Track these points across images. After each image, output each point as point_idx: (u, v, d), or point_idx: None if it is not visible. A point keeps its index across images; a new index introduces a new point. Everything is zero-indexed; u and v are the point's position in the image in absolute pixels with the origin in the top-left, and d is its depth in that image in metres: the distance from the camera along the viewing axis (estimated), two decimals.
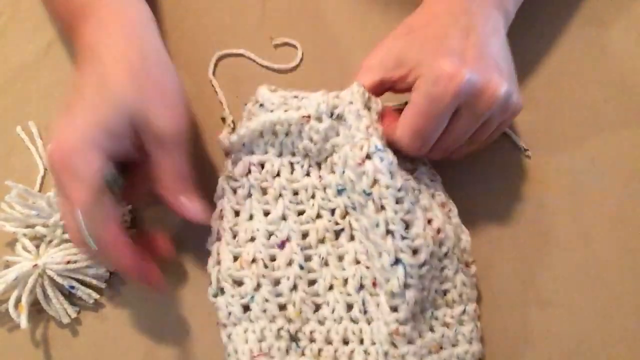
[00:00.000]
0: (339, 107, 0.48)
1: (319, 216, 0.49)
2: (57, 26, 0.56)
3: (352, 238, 0.49)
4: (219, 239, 0.50)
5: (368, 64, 0.50)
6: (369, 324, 0.47)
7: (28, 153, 0.58)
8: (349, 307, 0.48)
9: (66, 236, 0.52)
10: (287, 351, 0.47)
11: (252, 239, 0.49)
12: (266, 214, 0.49)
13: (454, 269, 0.48)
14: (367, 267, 0.47)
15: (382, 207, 0.46)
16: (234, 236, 0.49)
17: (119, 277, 0.54)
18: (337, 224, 0.49)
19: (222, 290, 0.49)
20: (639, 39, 0.60)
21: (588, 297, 0.52)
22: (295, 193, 0.50)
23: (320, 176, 0.50)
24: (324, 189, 0.49)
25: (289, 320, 0.48)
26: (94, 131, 0.45)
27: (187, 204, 0.48)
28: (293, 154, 0.50)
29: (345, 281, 0.48)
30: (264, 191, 0.50)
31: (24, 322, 0.50)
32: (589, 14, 0.61)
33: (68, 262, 0.51)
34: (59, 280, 0.51)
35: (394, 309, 0.46)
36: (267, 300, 0.47)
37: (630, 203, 0.54)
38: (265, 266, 0.48)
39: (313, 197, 0.49)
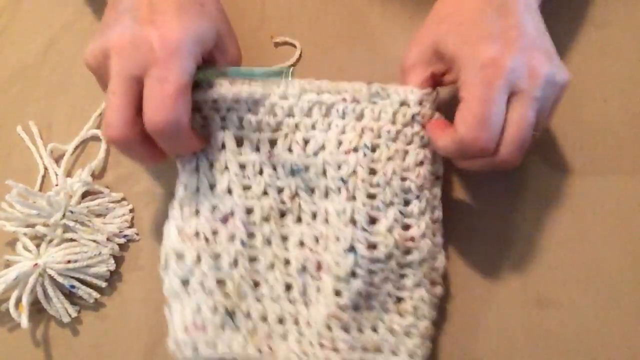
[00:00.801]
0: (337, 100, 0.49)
1: (265, 193, 0.49)
2: None
3: (299, 220, 0.49)
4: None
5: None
6: (306, 306, 0.48)
7: (28, 153, 0.58)
8: (288, 287, 0.48)
9: (67, 235, 0.52)
10: (222, 326, 0.47)
11: (197, 212, 0.49)
12: (211, 186, 0.49)
13: (415, 282, 0.48)
14: (311, 250, 0.48)
15: (354, 197, 0.48)
16: (181, 209, 0.49)
17: (120, 277, 0.54)
18: (282, 202, 0.49)
19: (167, 264, 0.49)
20: (639, 39, 0.60)
21: (588, 297, 0.52)
22: (242, 167, 0.49)
23: (269, 152, 0.49)
24: (274, 166, 0.49)
25: (226, 296, 0.47)
26: (195, 34, 0.46)
27: None
28: (240, 128, 0.50)
29: (287, 262, 0.48)
30: (211, 164, 0.49)
31: (24, 321, 0.50)
32: (589, 14, 0.61)
33: (68, 262, 0.51)
34: (60, 279, 0.51)
35: (337, 294, 0.46)
36: (205, 275, 0.47)
37: (630, 203, 0.54)
38: (207, 240, 0.48)
39: (260, 173, 0.49)
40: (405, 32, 0.59)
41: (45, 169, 0.57)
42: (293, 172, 0.49)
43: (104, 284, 0.53)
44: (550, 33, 0.60)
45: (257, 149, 0.49)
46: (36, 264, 0.50)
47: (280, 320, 0.48)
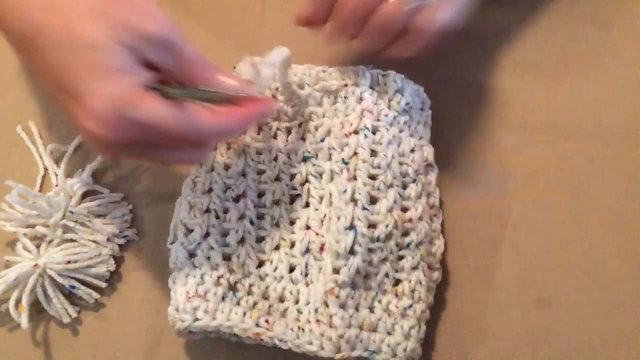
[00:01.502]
0: (341, 86, 0.51)
1: (277, 179, 0.51)
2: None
3: (307, 205, 0.51)
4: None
5: None
6: (307, 286, 0.49)
7: (28, 153, 0.58)
8: (292, 268, 0.49)
9: (67, 236, 0.52)
10: (223, 298, 0.48)
11: (210, 190, 0.50)
12: (227, 167, 0.51)
13: (413, 264, 0.49)
14: (317, 234, 0.49)
15: (354, 178, 0.49)
16: (194, 187, 0.51)
17: (120, 277, 0.54)
18: (294, 189, 0.51)
19: (175, 237, 0.50)
20: (639, 39, 0.60)
21: (588, 297, 0.52)
22: (259, 153, 0.51)
23: (287, 141, 0.52)
24: (288, 154, 0.51)
25: (231, 271, 0.49)
26: (115, 78, 0.40)
27: (227, 79, 0.45)
28: None
29: (292, 244, 0.50)
30: (228, 146, 0.51)
31: (24, 322, 0.50)
32: (589, 14, 0.61)
33: (68, 262, 0.51)
34: (60, 280, 0.51)
35: (336, 271, 0.47)
36: (212, 249, 0.49)
37: (630, 203, 0.54)
38: (217, 217, 0.50)
39: (275, 159, 0.51)
40: None
41: (45, 169, 0.57)
42: (305, 159, 0.51)
43: (104, 285, 0.53)
44: (551, 33, 0.60)
45: (275, 137, 0.52)
46: (36, 265, 0.50)
47: (281, 299, 0.49)
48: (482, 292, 0.52)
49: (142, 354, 0.51)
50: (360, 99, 0.51)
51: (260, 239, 0.50)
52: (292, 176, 0.51)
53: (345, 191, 0.48)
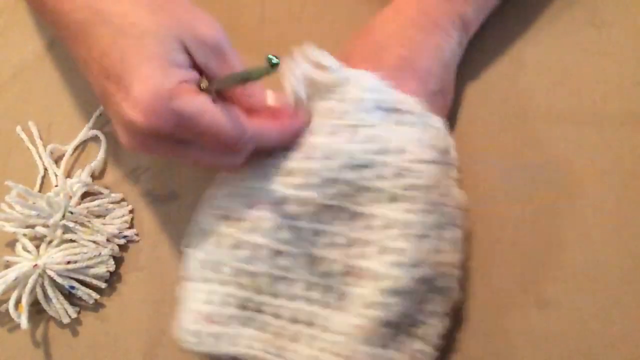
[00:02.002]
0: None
1: (307, 183, 0.46)
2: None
3: (336, 218, 0.46)
4: None
5: None
6: (324, 309, 0.45)
7: (28, 153, 0.58)
8: (308, 287, 0.45)
9: (66, 236, 0.52)
10: (244, 322, 0.45)
11: (229, 195, 0.48)
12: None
13: (435, 308, 0.46)
14: (343, 253, 0.45)
15: (411, 211, 0.45)
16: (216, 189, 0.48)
17: (120, 277, 0.54)
18: (325, 197, 0.45)
19: (194, 244, 0.48)
20: (639, 39, 0.60)
21: (588, 297, 0.52)
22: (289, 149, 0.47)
23: (329, 141, 0.47)
24: (327, 156, 0.46)
25: (259, 292, 0.45)
26: (164, 69, 0.41)
27: (266, 93, 0.46)
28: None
29: (313, 260, 0.45)
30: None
31: (24, 322, 0.50)
32: (589, 14, 0.61)
33: (68, 262, 0.51)
34: (59, 280, 0.51)
35: (373, 307, 0.43)
36: (226, 263, 0.46)
37: (630, 203, 0.54)
38: (237, 227, 0.46)
39: (309, 158, 0.46)
40: None
41: (45, 169, 0.57)
42: (347, 166, 0.45)
43: (103, 285, 0.53)
44: (551, 33, 0.60)
45: (313, 132, 0.47)
46: (36, 265, 0.50)
47: (294, 320, 0.45)
48: (482, 293, 0.52)
49: (142, 354, 0.51)
50: (416, 130, 0.48)
51: (277, 252, 0.46)
52: (325, 181, 0.46)
53: (400, 221, 0.44)
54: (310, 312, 0.45)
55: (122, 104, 0.41)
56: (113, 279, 0.54)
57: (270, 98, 0.46)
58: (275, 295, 0.46)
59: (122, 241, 0.54)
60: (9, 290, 0.51)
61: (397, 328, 0.44)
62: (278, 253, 0.46)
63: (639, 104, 0.57)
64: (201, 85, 0.43)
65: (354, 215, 0.46)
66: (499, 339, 0.51)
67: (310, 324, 0.45)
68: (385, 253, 0.44)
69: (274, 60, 0.39)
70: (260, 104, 0.46)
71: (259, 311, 0.46)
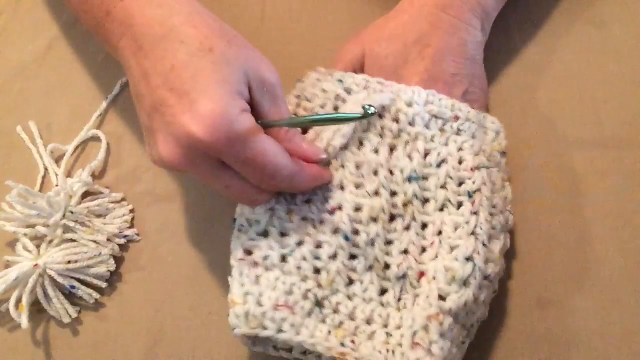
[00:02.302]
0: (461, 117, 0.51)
1: (377, 194, 0.49)
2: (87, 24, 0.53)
3: (407, 228, 0.49)
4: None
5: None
6: (399, 311, 0.47)
7: (28, 153, 0.58)
8: (383, 291, 0.48)
9: (67, 236, 0.52)
10: (309, 313, 0.46)
11: (309, 201, 0.49)
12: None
13: (481, 315, 0.49)
14: (416, 260, 0.48)
15: (477, 213, 0.48)
16: (292, 196, 0.49)
17: (120, 277, 0.54)
18: (394, 207, 0.49)
19: (266, 233, 0.48)
20: (639, 39, 0.60)
21: (588, 297, 0.52)
22: (358, 167, 0.50)
23: (390, 157, 0.50)
24: (390, 170, 0.49)
25: (319, 286, 0.47)
26: (232, 96, 0.43)
27: (306, 146, 0.48)
28: (365, 131, 0.50)
29: (387, 266, 0.48)
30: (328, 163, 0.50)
31: (24, 322, 0.50)
32: (589, 14, 0.61)
33: (69, 262, 0.51)
34: (60, 280, 0.51)
35: (443, 298, 0.46)
36: (304, 259, 0.47)
37: (630, 203, 0.54)
38: (314, 227, 0.48)
39: (375, 174, 0.49)
40: None
41: (46, 169, 0.57)
42: (410, 179, 0.49)
43: (104, 285, 0.53)
44: (551, 33, 0.60)
45: (376, 152, 0.50)
46: (36, 265, 0.50)
47: (368, 321, 0.47)
48: None
49: (142, 354, 0.51)
50: (473, 136, 0.51)
51: (353, 257, 0.48)
52: (393, 193, 0.49)
53: (467, 223, 0.47)
54: (384, 314, 0.47)
55: (183, 117, 0.43)
56: (113, 278, 0.54)
57: (305, 144, 0.48)
58: (350, 297, 0.47)
59: (122, 241, 0.54)
60: (9, 290, 0.51)
61: (457, 319, 0.46)
62: (353, 257, 0.48)
63: (639, 104, 0.58)
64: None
65: (425, 224, 0.49)
66: (500, 339, 0.51)
67: (385, 325, 0.47)
68: (454, 250, 0.47)
69: (370, 111, 0.44)
70: (296, 150, 0.48)
71: (336, 311, 0.47)
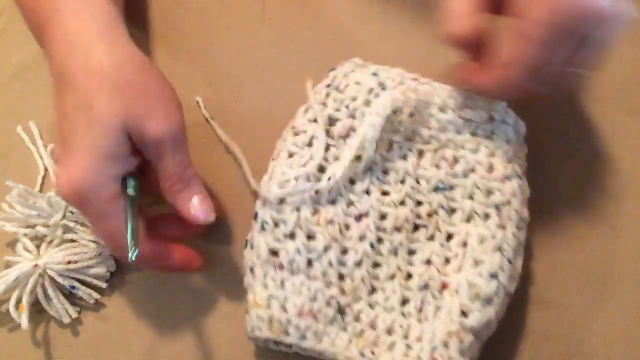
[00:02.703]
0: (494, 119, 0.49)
1: (402, 203, 0.48)
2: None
3: (431, 238, 0.48)
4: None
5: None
6: (420, 322, 0.46)
7: (28, 153, 0.58)
8: (404, 301, 0.47)
9: (67, 236, 0.52)
10: (332, 321, 0.46)
11: (334, 202, 0.48)
12: (352, 182, 0.49)
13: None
14: (438, 271, 0.47)
15: (504, 227, 0.47)
16: (316, 192, 0.48)
17: (120, 277, 0.54)
18: (418, 217, 0.48)
19: (293, 235, 0.47)
20: (639, 39, 0.60)
21: (588, 297, 0.52)
22: (385, 172, 0.49)
23: (418, 164, 0.49)
24: (417, 179, 0.49)
25: (342, 292, 0.47)
26: (97, 164, 0.44)
27: (195, 204, 0.47)
28: (395, 132, 0.49)
29: (409, 276, 0.47)
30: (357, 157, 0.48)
31: (24, 322, 0.50)
32: None
33: (69, 262, 0.51)
34: (60, 280, 0.51)
35: (465, 314, 0.45)
36: (330, 265, 0.47)
37: (630, 203, 0.54)
38: (340, 231, 0.47)
39: (402, 182, 0.49)
40: (405, 31, 0.59)
41: (46, 169, 0.57)
42: (436, 189, 0.48)
43: (104, 285, 0.53)
44: None
45: (404, 158, 0.49)
46: (36, 265, 0.50)
47: (389, 331, 0.46)
48: None
49: (142, 354, 0.51)
50: (508, 141, 0.49)
51: (376, 264, 0.48)
52: (418, 203, 0.49)
53: (493, 237, 0.46)
54: (405, 324, 0.47)
55: (59, 167, 0.46)
56: (113, 278, 0.54)
57: (196, 201, 0.48)
58: (371, 305, 0.47)
59: None
60: (9, 290, 0.51)
61: (477, 337, 0.46)
62: (376, 265, 0.48)
63: (639, 104, 0.58)
64: (128, 188, 0.46)
65: (449, 235, 0.48)
66: (500, 339, 0.51)
67: (405, 336, 0.46)
68: (478, 265, 0.46)
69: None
70: (181, 207, 0.47)
71: (357, 319, 0.47)
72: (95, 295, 0.52)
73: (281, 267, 0.47)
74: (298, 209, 0.47)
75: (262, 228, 0.48)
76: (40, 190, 0.56)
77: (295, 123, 0.50)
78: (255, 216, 0.48)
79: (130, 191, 0.46)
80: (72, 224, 0.52)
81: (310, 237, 0.47)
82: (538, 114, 0.56)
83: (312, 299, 0.46)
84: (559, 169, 0.55)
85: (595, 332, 0.51)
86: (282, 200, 0.48)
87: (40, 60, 0.62)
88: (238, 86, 0.59)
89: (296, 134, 0.49)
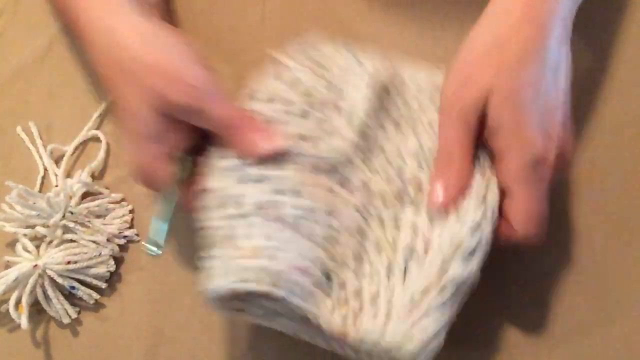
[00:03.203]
0: None
1: (384, 172, 0.48)
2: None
3: (418, 211, 0.47)
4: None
5: (447, 114, 0.46)
6: (402, 284, 0.45)
7: (28, 153, 0.58)
8: (390, 270, 0.45)
9: (66, 236, 0.52)
10: (318, 284, 0.44)
11: (326, 172, 0.48)
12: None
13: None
14: (423, 235, 0.46)
15: (487, 181, 0.46)
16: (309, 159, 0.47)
17: (120, 278, 0.54)
18: (403, 183, 0.48)
19: (282, 192, 0.46)
20: (639, 39, 0.60)
21: (588, 297, 0.52)
22: (367, 142, 0.49)
23: (396, 134, 0.49)
24: (398, 148, 0.49)
25: (330, 256, 0.45)
26: (140, 147, 0.46)
27: (257, 139, 0.46)
28: (376, 109, 0.49)
29: (395, 245, 0.46)
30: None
31: (24, 322, 0.50)
32: (589, 14, 0.61)
33: (68, 263, 0.51)
34: (59, 280, 0.51)
35: (444, 269, 0.44)
36: (319, 226, 0.46)
37: (630, 203, 0.54)
38: (330, 198, 0.47)
39: (382, 151, 0.49)
40: (406, 33, 0.59)
41: (45, 169, 0.57)
42: (416, 155, 0.48)
43: (104, 285, 0.53)
44: None
45: (383, 129, 0.49)
46: (36, 265, 0.50)
47: (373, 300, 0.44)
48: (482, 293, 0.52)
49: (142, 354, 0.51)
50: None
51: (363, 234, 0.47)
52: (400, 170, 0.48)
53: (477, 191, 0.46)
54: (389, 290, 0.44)
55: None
56: (113, 279, 0.54)
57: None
58: (357, 274, 0.46)
59: (122, 241, 0.54)
60: (9, 290, 0.51)
61: (458, 290, 0.44)
62: (363, 234, 0.47)
63: (639, 104, 0.58)
64: (176, 155, 0.47)
65: (418, 203, 0.47)
66: (499, 339, 0.51)
67: (389, 302, 0.44)
68: (460, 219, 0.45)
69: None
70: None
71: (342, 287, 0.45)
72: (95, 295, 0.52)
73: (269, 218, 0.45)
74: (293, 169, 0.46)
75: (257, 181, 0.46)
76: (40, 191, 0.56)
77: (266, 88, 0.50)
78: (237, 168, 0.47)
79: (179, 173, 0.48)
80: (71, 224, 0.52)
81: (297, 194, 0.46)
82: None
83: (301, 255, 0.44)
84: None
85: (595, 332, 0.51)
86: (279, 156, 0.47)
87: (40, 60, 0.62)
88: (238, 86, 0.59)
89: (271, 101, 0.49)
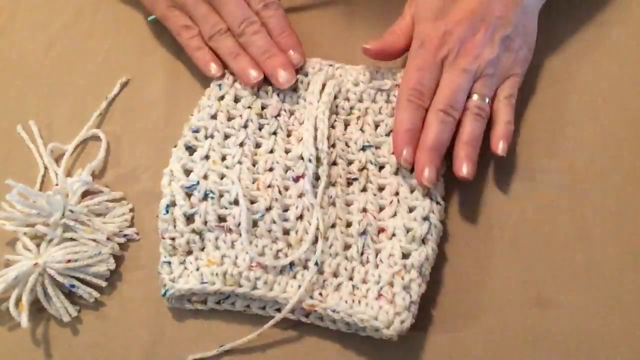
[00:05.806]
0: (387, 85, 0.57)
1: (334, 163, 0.54)
2: None
3: (364, 190, 0.54)
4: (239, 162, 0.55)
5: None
6: (363, 265, 0.51)
7: (28, 152, 0.58)
8: (347, 247, 0.52)
9: (66, 235, 0.52)
10: (281, 271, 0.51)
11: (271, 169, 0.54)
12: (287, 151, 0.55)
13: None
14: (374, 217, 0.52)
15: None
16: (254, 164, 0.54)
17: (120, 276, 0.54)
18: (350, 173, 0.54)
19: (236, 202, 0.52)
20: (639, 39, 0.60)
21: (588, 297, 0.52)
22: (315, 138, 0.54)
23: (345, 131, 0.56)
24: (346, 142, 0.55)
25: (289, 245, 0.51)
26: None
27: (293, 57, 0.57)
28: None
29: (349, 224, 0.52)
30: (289, 133, 0.56)
31: (24, 321, 0.50)
32: (589, 13, 0.61)
33: (68, 261, 0.51)
34: (60, 279, 0.51)
35: (405, 256, 0.50)
36: (274, 222, 0.51)
37: (630, 203, 0.54)
38: (280, 192, 0.52)
39: (333, 146, 0.55)
40: None
41: (46, 168, 0.57)
42: (364, 148, 0.55)
43: (104, 284, 0.53)
44: (551, 32, 0.60)
45: (333, 127, 0.56)
46: (36, 264, 0.50)
47: (335, 274, 0.51)
48: (482, 293, 0.52)
49: (142, 354, 0.51)
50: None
51: (321, 219, 0.52)
52: (350, 162, 0.55)
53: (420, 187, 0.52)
54: (349, 267, 0.51)
55: None
56: (113, 277, 0.54)
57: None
58: (309, 250, 0.51)
59: (122, 240, 0.54)
60: (9, 288, 0.50)
61: (419, 272, 0.50)
62: (325, 213, 0.52)
63: (639, 104, 0.58)
64: None
65: (381, 187, 0.54)
66: (499, 339, 0.51)
67: (350, 278, 0.51)
68: (412, 211, 0.52)
69: None
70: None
71: (305, 268, 0.51)
72: (95, 294, 0.52)
73: (230, 230, 0.52)
74: (240, 181, 0.53)
75: (206, 197, 0.52)
76: (40, 189, 0.56)
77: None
78: (192, 187, 0.53)
79: None
80: (71, 223, 0.52)
81: (253, 201, 0.52)
82: None
83: (261, 254, 0.51)
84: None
85: (595, 332, 0.51)
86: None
87: (40, 60, 0.62)
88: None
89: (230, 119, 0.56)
